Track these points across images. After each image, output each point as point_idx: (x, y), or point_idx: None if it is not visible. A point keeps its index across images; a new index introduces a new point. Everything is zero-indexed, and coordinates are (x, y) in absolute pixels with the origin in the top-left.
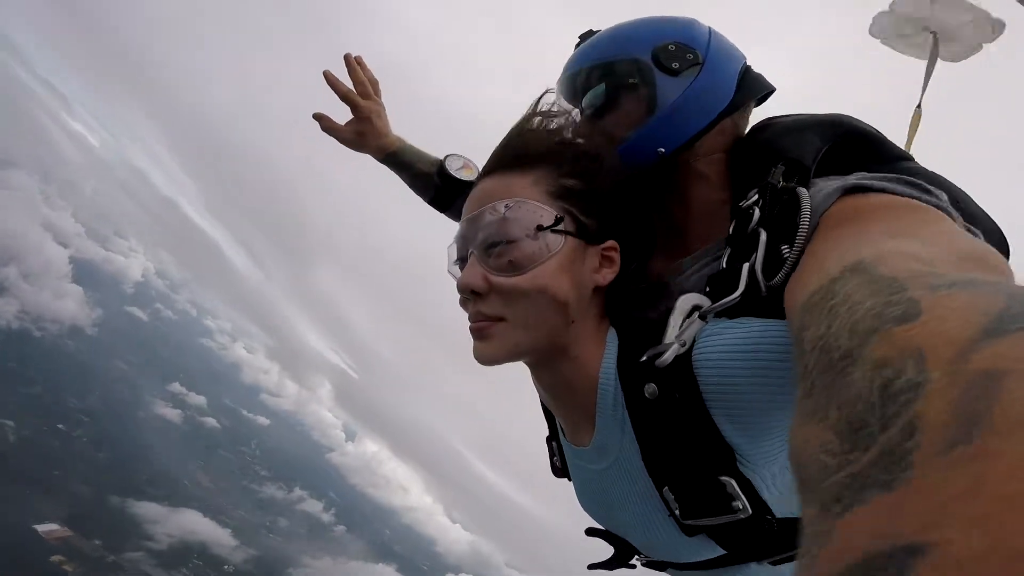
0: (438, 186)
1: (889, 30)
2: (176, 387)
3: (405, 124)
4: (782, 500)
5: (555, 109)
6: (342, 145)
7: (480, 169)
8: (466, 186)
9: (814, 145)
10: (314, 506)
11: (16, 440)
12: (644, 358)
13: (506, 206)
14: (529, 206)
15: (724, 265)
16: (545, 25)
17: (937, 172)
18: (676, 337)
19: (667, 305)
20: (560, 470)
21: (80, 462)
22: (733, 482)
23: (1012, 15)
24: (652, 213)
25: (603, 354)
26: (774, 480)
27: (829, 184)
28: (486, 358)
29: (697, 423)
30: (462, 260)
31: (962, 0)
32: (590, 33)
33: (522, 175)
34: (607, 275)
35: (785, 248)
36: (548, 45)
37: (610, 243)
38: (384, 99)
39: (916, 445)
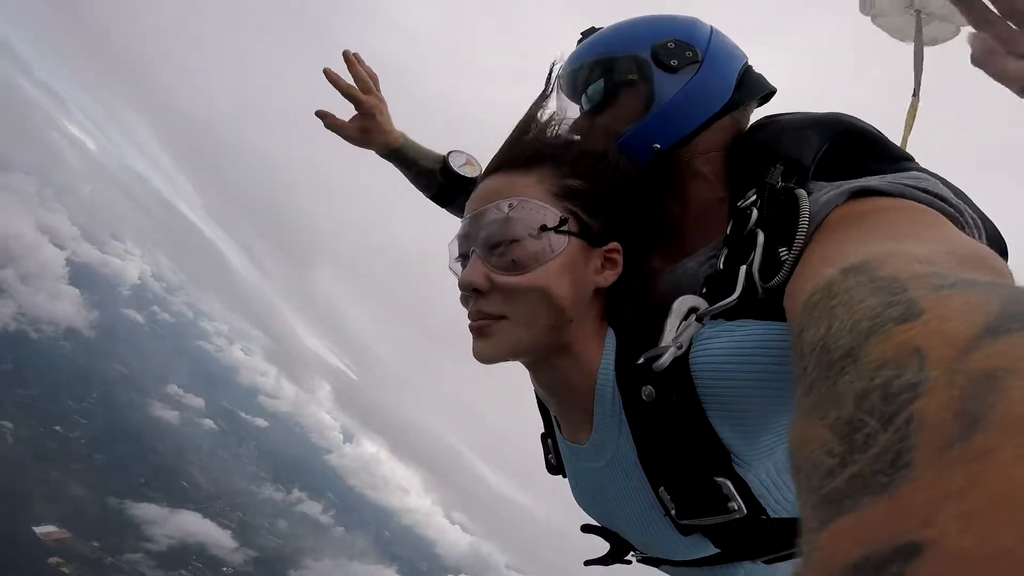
0: (441, 183)
1: (877, 6)
2: (173, 389)
3: (404, 125)
4: (777, 500)
5: (557, 105)
6: (346, 142)
7: (483, 166)
8: (469, 183)
9: (813, 144)
10: (313, 507)
11: (13, 442)
12: (641, 360)
13: (510, 205)
14: (533, 205)
15: (721, 266)
16: (545, 25)
17: (936, 173)
18: (673, 340)
19: (661, 305)
20: (555, 467)
21: (77, 464)
22: (729, 483)
23: None
24: (651, 212)
25: (602, 354)
26: (769, 479)
27: (832, 187)
28: (486, 356)
29: (693, 426)
30: (463, 257)
31: None
32: (592, 30)
33: (526, 174)
34: (609, 277)
35: (783, 251)
36: (548, 45)
37: (613, 245)
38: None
39: (916, 444)
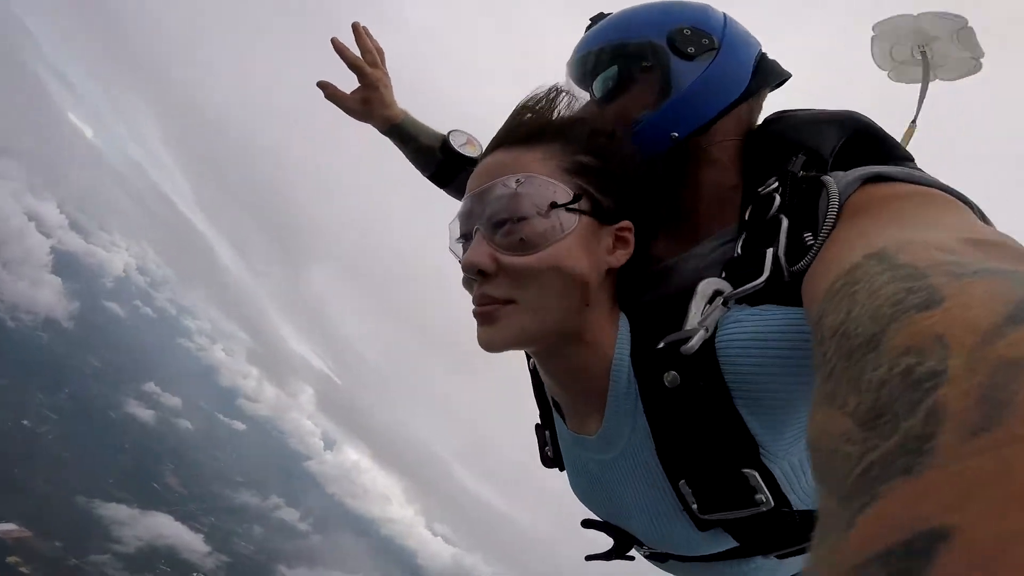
0: (440, 161)
1: (886, 59)
2: (151, 387)
3: None
4: (802, 491)
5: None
6: (346, 115)
7: (484, 147)
8: (469, 162)
9: (831, 138)
10: (291, 514)
11: None
12: (663, 344)
13: (517, 180)
14: (541, 181)
15: (740, 251)
16: (545, 25)
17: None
18: (699, 323)
19: (676, 290)
20: (551, 460)
21: (44, 460)
22: (756, 475)
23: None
24: (662, 196)
25: (616, 340)
26: (794, 472)
27: (848, 174)
28: (494, 344)
29: (720, 413)
30: (466, 238)
31: (947, 14)
32: (601, 16)
33: (534, 149)
34: (621, 256)
35: (808, 236)
36: (547, 44)
37: (625, 223)
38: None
39: (939, 431)
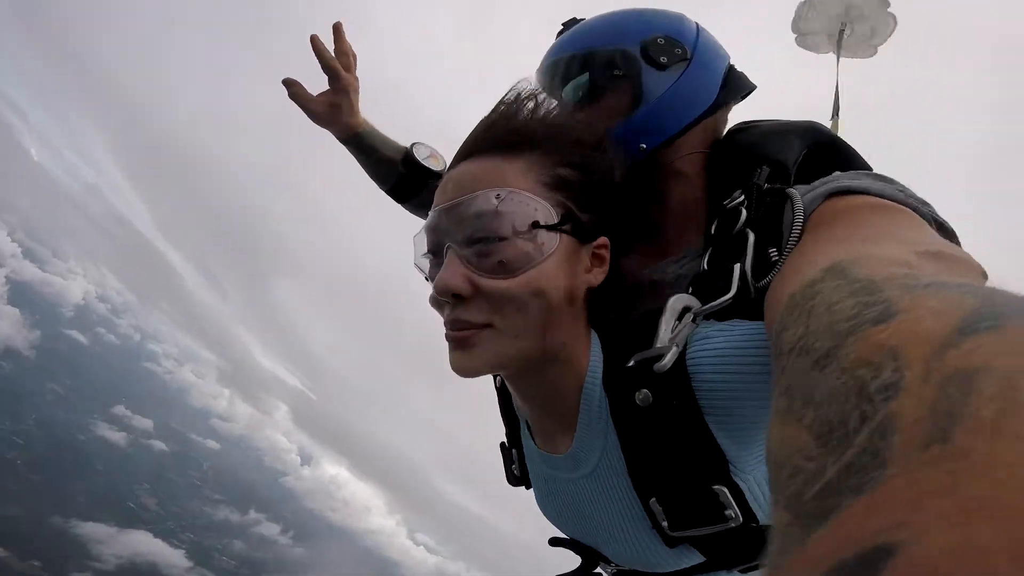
0: (401, 174)
1: (808, 21)
2: (120, 410)
3: (388, 132)
4: (768, 506)
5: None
6: (308, 118)
7: (448, 162)
8: (432, 176)
9: (795, 149)
10: (271, 529)
11: None
12: (633, 362)
13: (497, 196)
14: (524, 198)
15: (706, 265)
16: (516, 30)
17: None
18: (670, 340)
19: (646, 307)
20: (517, 479)
21: (14, 484)
22: (726, 490)
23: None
24: (635, 209)
25: (588, 359)
26: (759, 486)
27: (809, 189)
28: (469, 370)
29: (692, 430)
30: (434, 254)
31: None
32: (574, 21)
33: (513, 160)
34: (599, 275)
35: (773, 252)
36: (522, 50)
37: (602, 240)
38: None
39: (891, 444)
